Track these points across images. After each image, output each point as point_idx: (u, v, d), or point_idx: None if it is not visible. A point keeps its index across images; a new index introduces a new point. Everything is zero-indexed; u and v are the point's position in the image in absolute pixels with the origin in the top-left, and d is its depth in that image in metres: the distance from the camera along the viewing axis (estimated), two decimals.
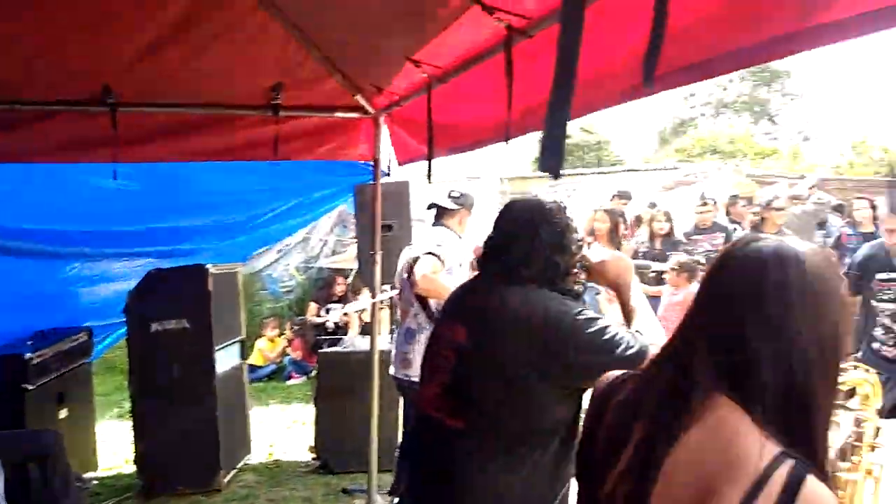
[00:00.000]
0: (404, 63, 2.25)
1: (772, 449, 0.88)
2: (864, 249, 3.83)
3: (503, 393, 1.57)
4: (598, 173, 12.14)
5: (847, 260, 4.52)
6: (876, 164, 15.92)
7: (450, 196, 3.38)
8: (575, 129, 20.36)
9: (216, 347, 4.17)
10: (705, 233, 6.82)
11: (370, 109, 2.99)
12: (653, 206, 7.87)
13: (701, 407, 0.94)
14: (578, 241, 1.72)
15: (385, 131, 3.30)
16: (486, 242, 1.78)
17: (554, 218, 1.69)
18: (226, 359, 4.41)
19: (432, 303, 3.19)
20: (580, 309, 1.61)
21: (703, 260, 6.69)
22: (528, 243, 1.66)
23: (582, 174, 12.02)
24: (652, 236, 6.66)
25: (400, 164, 3.21)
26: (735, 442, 0.90)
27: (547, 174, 1.15)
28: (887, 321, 3.49)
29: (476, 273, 1.97)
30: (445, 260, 3.11)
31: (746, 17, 1.07)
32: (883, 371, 3.24)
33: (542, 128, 2.10)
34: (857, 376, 1.30)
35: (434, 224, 3.44)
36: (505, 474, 1.57)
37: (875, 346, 3.56)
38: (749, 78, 24.85)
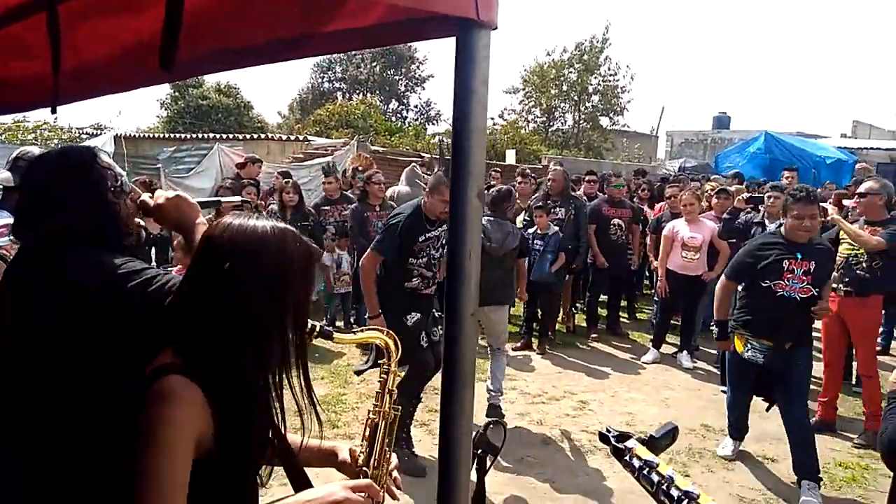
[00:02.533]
0: None
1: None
2: (407, 218, 4.05)
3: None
4: (233, 139, 11.78)
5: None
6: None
7: (15, 167, 2.83)
8: (212, 92, 19.37)
9: None
10: (333, 203, 7.20)
11: None
12: (285, 175, 7.96)
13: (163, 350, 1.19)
14: (120, 188, 1.49)
15: None
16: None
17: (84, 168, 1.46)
18: None
19: None
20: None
21: (333, 230, 7.06)
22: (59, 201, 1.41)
23: (217, 138, 11.53)
24: (283, 207, 6.66)
25: None
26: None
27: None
28: (422, 272, 4.07)
29: None
30: None
31: (261, 18, 1.14)
32: (416, 308, 4.02)
33: (98, 94, 1.92)
34: (373, 334, 1.52)
35: None
36: None
37: (410, 287, 4.09)
38: (379, 60, 26.95)
